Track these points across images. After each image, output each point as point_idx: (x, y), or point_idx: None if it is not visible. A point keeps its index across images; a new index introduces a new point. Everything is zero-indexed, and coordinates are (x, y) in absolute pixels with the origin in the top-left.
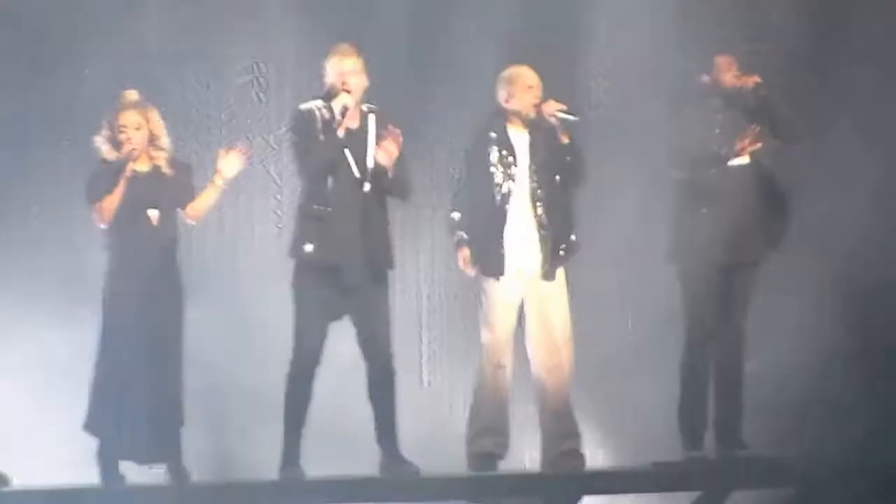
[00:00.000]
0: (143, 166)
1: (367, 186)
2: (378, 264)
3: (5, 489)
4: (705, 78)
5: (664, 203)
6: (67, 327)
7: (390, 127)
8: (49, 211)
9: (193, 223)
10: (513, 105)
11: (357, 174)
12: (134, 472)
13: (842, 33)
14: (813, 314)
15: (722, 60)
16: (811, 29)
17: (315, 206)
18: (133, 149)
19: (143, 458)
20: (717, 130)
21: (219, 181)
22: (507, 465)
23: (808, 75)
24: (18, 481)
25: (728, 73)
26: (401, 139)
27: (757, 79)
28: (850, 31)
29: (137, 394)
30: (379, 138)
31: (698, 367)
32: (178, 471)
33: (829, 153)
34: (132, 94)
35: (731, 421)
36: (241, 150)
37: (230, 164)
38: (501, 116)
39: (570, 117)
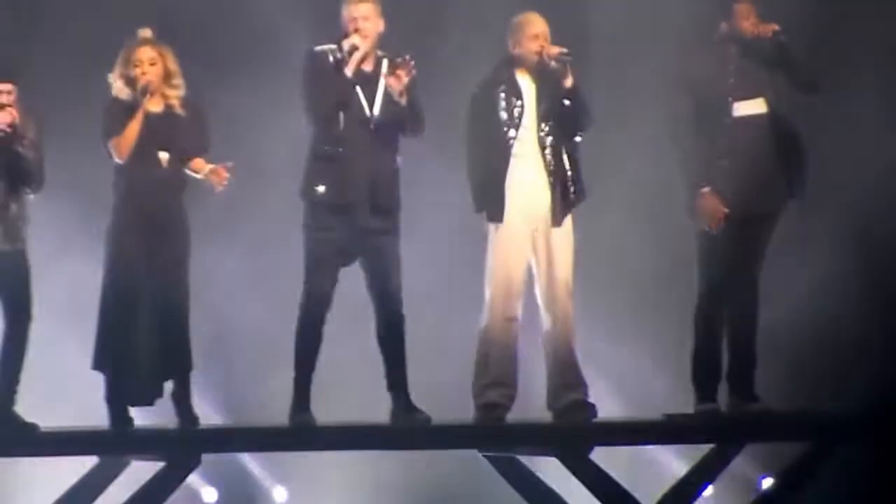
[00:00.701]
0: (156, 106)
1: (375, 120)
2: (386, 204)
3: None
4: (723, 25)
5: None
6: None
7: (405, 56)
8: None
9: (194, 175)
10: (518, 51)
11: (368, 115)
12: (143, 418)
13: None
14: (828, 266)
15: (741, 7)
16: None
17: (326, 148)
18: (149, 81)
19: (151, 400)
20: (732, 80)
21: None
22: (517, 416)
23: (827, 22)
24: (52, 423)
25: (746, 21)
26: (413, 69)
27: (775, 26)
28: None
29: (144, 336)
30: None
31: (712, 319)
32: (187, 415)
33: (847, 101)
34: (146, 32)
35: (745, 373)
36: (224, 168)
37: (208, 175)
38: (510, 63)
39: (567, 58)
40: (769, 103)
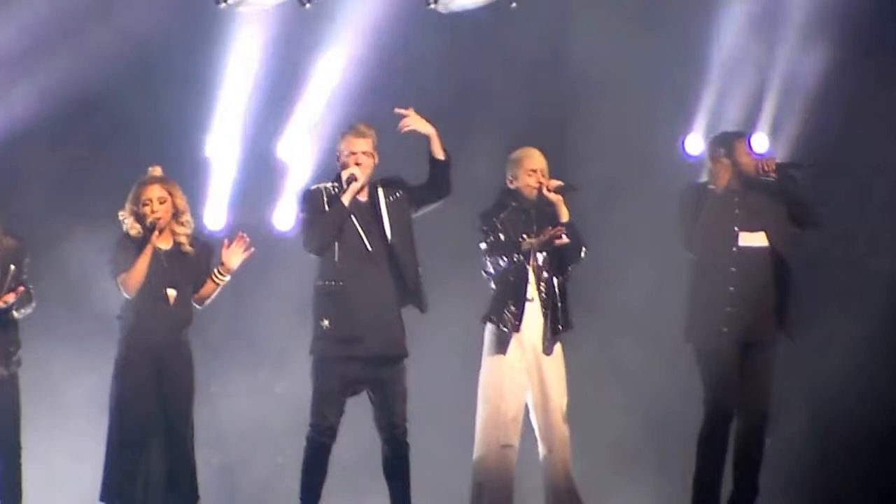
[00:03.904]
0: (165, 243)
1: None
2: (392, 348)
3: None
4: (724, 160)
5: (678, 280)
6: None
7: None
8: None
9: (199, 307)
10: (516, 185)
11: (368, 248)
12: None
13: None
14: (831, 393)
15: (741, 143)
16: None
17: (326, 282)
18: (157, 219)
19: None
20: (737, 211)
21: (223, 274)
22: None
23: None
24: None
25: (747, 156)
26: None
27: (775, 161)
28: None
29: (151, 467)
30: (390, 206)
31: (714, 442)
32: None
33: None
34: (157, 170)
35: (746, 500)
36: (241, 240)
37: (233, 256)
38: (509, 195)
39: (571, 188)
40: (769, 238)
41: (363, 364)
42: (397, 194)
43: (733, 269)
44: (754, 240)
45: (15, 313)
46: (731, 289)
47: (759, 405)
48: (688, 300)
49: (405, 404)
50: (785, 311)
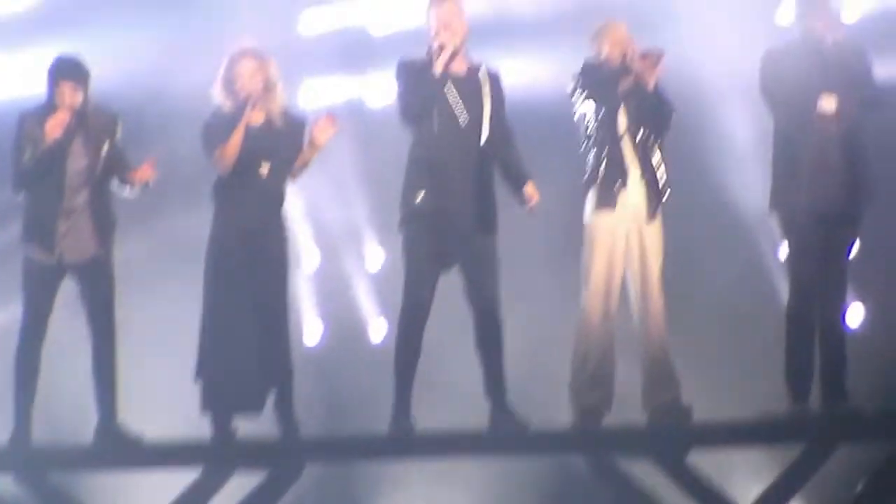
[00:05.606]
0: (256, 118)
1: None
2: (485, 221)
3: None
4: (801, 21)
5: (761, 151)
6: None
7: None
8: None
9: (291, 182)
10: (603, 57)
11: (463, 122)
12: (245, 427)
13: None
14: None
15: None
16: None
17: (420, 153)
18: (249, 95)
19: (252, 409)
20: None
21: (312, 150)
22: (613, 418)
23: None
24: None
25: (822, 22)
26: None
27: (838, 32)
28: None
29: (245, 346)
30: (493, 90)
31: (803, 319)
32: (289, 423)
33: None
34: (248, 41)
35: (837, 374)
36: (329, 118)
37: (322, 133)
38: (594, 68)
39: (657, 53)
40: (839, 109)
41: (454, 237)
42: (500, 93)
43: (809, 139)
44: (828, 106)
45: (128, 189)
46: (810, 159)
47: (840, 276)
48: (771, 170)
49: (497, 279)
50: (863, 181)
